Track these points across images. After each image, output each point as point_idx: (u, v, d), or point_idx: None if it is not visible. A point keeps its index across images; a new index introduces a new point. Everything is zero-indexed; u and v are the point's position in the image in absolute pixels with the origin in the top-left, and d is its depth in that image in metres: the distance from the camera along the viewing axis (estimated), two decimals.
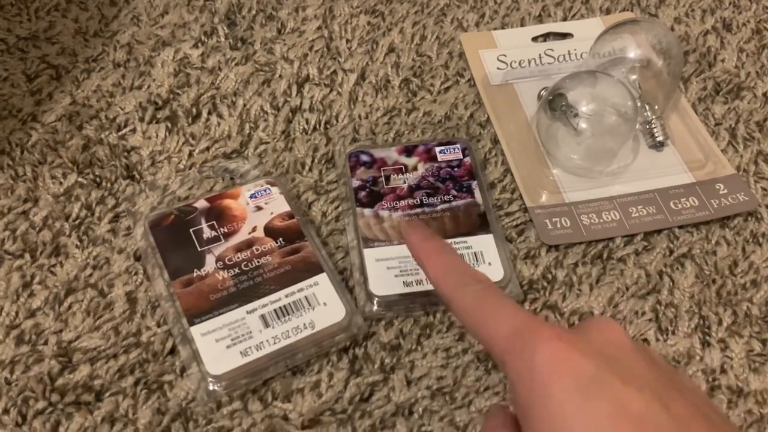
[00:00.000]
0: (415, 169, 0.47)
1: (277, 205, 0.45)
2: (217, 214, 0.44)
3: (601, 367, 0.25)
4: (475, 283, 0.30)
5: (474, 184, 0.46)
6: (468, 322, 0.29)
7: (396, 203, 0.45)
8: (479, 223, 0.44)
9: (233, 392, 0.38)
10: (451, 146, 0.48)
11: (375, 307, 0.41)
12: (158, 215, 0.44)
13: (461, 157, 0.48)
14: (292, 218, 0.44)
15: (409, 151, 0.48)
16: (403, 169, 0.47)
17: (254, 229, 0.43)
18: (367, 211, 0.45)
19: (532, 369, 0.25)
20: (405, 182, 0.46)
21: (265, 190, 0.45)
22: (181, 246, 0.42)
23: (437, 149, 0.48)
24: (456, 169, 0.47)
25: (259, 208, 0.44)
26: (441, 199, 0.45)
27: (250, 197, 0.45)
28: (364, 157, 0.48)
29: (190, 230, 0.43)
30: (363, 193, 0.46)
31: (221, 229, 0.43)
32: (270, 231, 0.43)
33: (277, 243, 0.43)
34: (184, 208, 0.44)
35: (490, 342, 0.28)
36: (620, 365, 0.25)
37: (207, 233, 0.43)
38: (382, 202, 0.45)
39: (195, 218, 0.44)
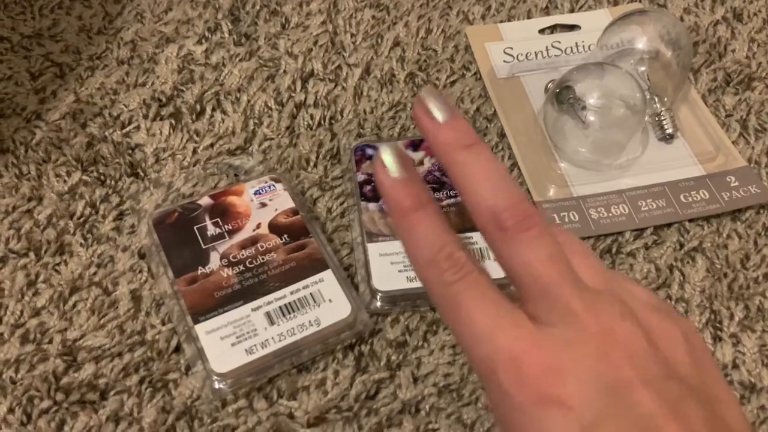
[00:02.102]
0: (421, 163, 0.47)
1: (281, 201, 0.44)
2: (222, 211, 0.44)
3: (593, 415, 0.21)
4: (453, 274, 0.24)
5: None
6: (446, 321, 0.25)
7: None
8: None
9: (238, 390, 0.38)
10: None
11: (378, 303, 0.41)
12: (162, 213, 0.43)
13: None
14: (296, 215, 0.44)
15: (415, 145, 0.48)
16: None
17: (258, 226, 0.43)
18: (372, 206, 0.44)
19: (512, 414, 0.22)
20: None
21: (269, 187, 0.45)
22: (185, 243, 0.42)
23: None
24: None
25: (263, 205, 0.44)
26: (447, 194, 0.45)
27: (255, 194, 0.45)
28: (370, 151, 0.47)
29: (194, 227, 0.43)
30: (368, 188, 0.45)
31: (225, 226, 0.43)
32: (274, 228, 0.43)
33: (281, 240, 0.42)
34: (188, 206, 0.44)
35: (467, 354, 0.24)
36: (618, 408, 0.22)
37: (211, 230, 0.43)
38: None
39: (199, 215, 0.43)
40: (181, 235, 0.42)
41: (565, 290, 0.24)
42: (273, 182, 0.45)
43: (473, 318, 0.24)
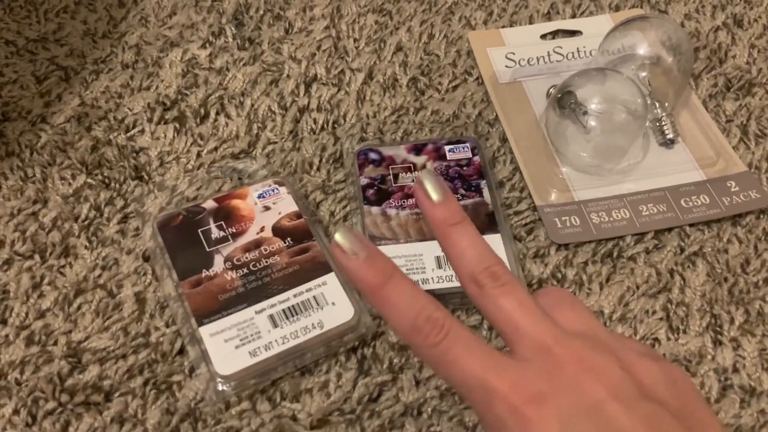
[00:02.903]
0: (423, 167, 0.47)
1: (285, 205, 0.45)
2: (225, 215, 0.44)
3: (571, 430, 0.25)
4: (436, 335, 0.27)
5: (483, 183, 0.46)
6: (439, 376, 0.28)
7: (404, 202, 0.45)
8: (487, 223, 0.44)
9: (242, 392, 0.38)
10: (460, 145, 0.48)
11: None
12: (167, 216, 0.44)
13: (470, 155, 0.48)
14: (300, 218, 0.44)
15: (418, 149, 0.48)
16: (411, 168, 0.47)
17: (262, 229, 0.43)
18: (374, 209, 0.45)
19: None
20: (414, 180, 0.46)
21: (273, 190, 0.45)
22: (190, 246, 0.42)
23: (446, 148, 0.48)
24: (465, 168, 0.47)
25: (267, 208, 0.44)
26: None
27: (258, 197, 0.45)
28: (373, 155, 0.48)
29: (199, 231, 0.43)
30: (371, 191, 0.46)
31: (229, 229, 0.43)
32: (278, 231, 0.43)
33: (285, 243, 0.43)
34: (192, 209, 0.44)
35: (465, 398, 0.28)
36: (592, 422, 0.25)
37: (215, 233, 0.43)
38: (390, 201, 0.45)
39: (203, 218, 0.44)
40: (185, 238, 0.43)
41: (536, 328, 0.27)
42: (277, 186, 0.45)
43: (464, 370, 0.27)
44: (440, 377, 0.28)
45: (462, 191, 0.46)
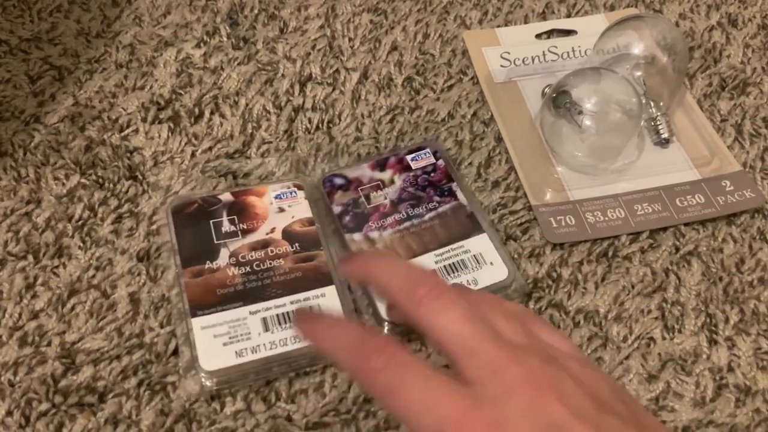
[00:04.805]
0: (392, 182, 0.46)
1: (300, 209, 0.44)
2: (240, 210, 0.44)
3: None
4: (377, 359, 0.26)
5: (454, 185, 0.46)
6: (382, 405, 0.27)
7: (383, 221, 0.44)
8: (470, 225, 0.44)
9: (222, 390, 0.38)
10: (421, 152, 0.48)
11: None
12: (183, 201, 0.44)
13: (434, 161, 0.47)
14: (312, 225, 0.43)
15: (381, 165, 0.47)
16: (380, 185, 0.46)
17: (272, 230, 0.43)
18: (356, 236, 0.43)
19: None
20: (386, 198, 0.45)
21: (291, 193, 0.45)
22: (199, 236, 0.42)
23: (408, 157, 0.47)
24: (432, 174, 0.46)
25: (281, 210, 0.44)
26: (426, 207, 0.45)
27: (275, 197, 0.45)
28: (339, 181, 0.46)
29: (210, 221, 0.43)
30: (347, 218, 0.44)
31: (241, 225, 0.43)
32: (288, 234, 0.43)
33: (292, 248, 0.42)
34: (208, 198, 0.44)
35: (412, 427, 0.25)
36: None
37: (226, 227, 0.43)
38: (369, 223, 0.44)
39: (217, 210, 0.43)
40: (196, 227, 0.43)
41: (486, 346, 0.26)
42: (295, 189, 0.45)
43: (409, 398, 0.25)
44: (382, 407, 0.27)
45: (436, 198, 0.45)
